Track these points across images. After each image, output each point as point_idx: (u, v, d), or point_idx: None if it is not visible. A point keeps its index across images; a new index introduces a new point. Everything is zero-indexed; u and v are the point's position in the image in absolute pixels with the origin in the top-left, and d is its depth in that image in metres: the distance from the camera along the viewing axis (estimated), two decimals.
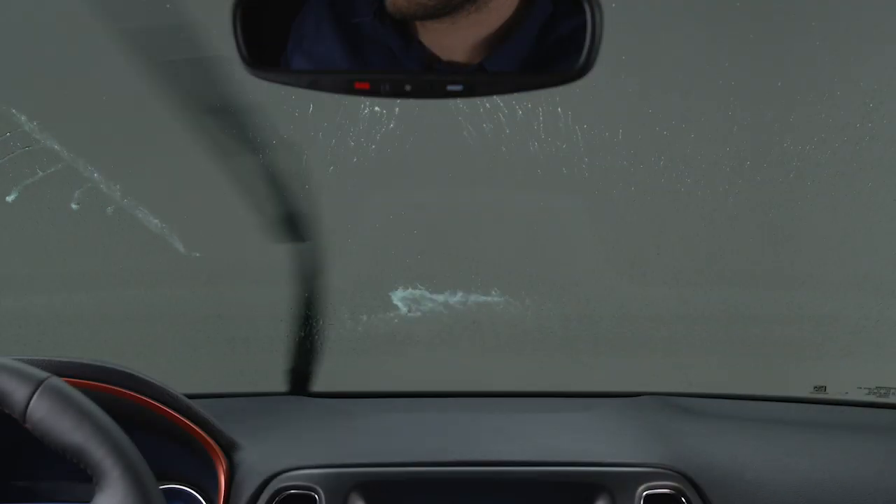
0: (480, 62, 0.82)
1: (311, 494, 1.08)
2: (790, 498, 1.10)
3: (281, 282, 1.59)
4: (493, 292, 1.65)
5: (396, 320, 1.64)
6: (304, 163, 1.63)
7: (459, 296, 1.63)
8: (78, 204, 1.61)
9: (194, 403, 1.09)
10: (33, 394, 0.86)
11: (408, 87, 0.78)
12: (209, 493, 1.12)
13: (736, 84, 1.59)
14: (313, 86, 0.81)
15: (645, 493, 1.08)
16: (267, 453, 1.12)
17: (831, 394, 1.40)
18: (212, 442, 1.09)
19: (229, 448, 1.11)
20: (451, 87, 0.78)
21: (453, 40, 0.81)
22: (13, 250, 1.63)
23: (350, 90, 0.79)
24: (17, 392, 0.87)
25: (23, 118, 1.58)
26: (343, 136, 1.59)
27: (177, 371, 1.33)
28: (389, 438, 1.19)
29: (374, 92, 0.78)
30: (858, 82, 1.55)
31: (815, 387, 1.42)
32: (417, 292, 1.64)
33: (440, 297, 1.63)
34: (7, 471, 1.13)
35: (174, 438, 1.09)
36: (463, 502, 1.11)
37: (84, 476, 0.88)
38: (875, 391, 1.41)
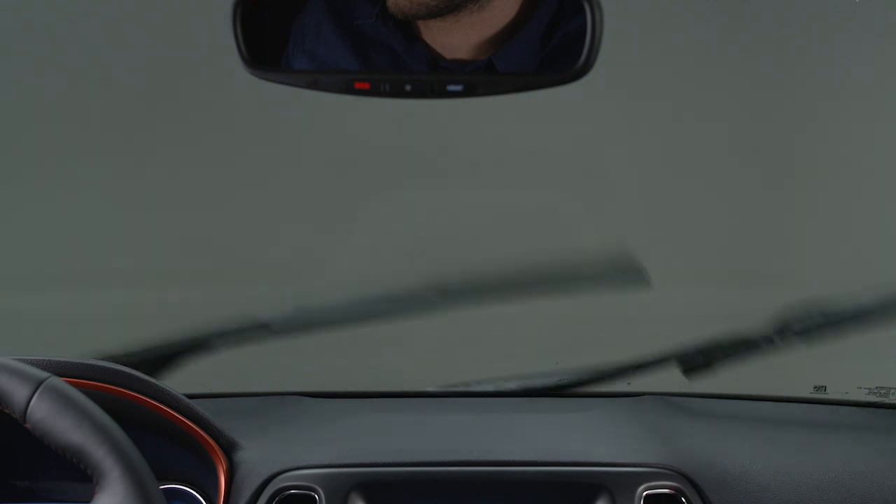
0: (485, 61, 0.83)
1: (311, 494, 1.08)
2: (790, 498, 1.10)
3: (280, 281, 1.59)
4: (493, 292, 1.65)
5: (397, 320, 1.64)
6: (302, 159, 1.63)
7: (459, 296, 1.63)
8: (79, 202, 1.61)
9: (194, 403, 1.09)
10: (33, 394, 0.86)
11: (408, 88, 0.78)
12: (209, 493, 1.12)
13: (736, 84, 1.59)
14: (313, 86, 0.81)
15: (645, 493, 1.08)
16: (267, 453, 1.12)
17: (831, 394, 1.40)
18: (212, 442, 1.09)
19: (229, 448, 1.11)
20: (450, 88, 0.79)
21: (456, 39, 0.82)
22: (13, 250, 1.63)
23: (350, 90, 0.79)
24: (18, 392, 0.87)
25: (23, 116, 1.58)
26: (343, 132, 1.59)
27: (177, 371, 1.33)
28: (389, 438, 1.19)
29: (374, 92, 0.79)
30: (860, 81, 1.55)
31: (815, 387, 1.42)
32: (416, 292, 1.64)
33: (440, 297, 1.63)
34: (7, 471, 1.13)
35: (174, 438, 1.09)
36: (463, 502, 1.11)
37: (84, 476, 0.88)
38: (875, 391, 1.41)
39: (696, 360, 1.39)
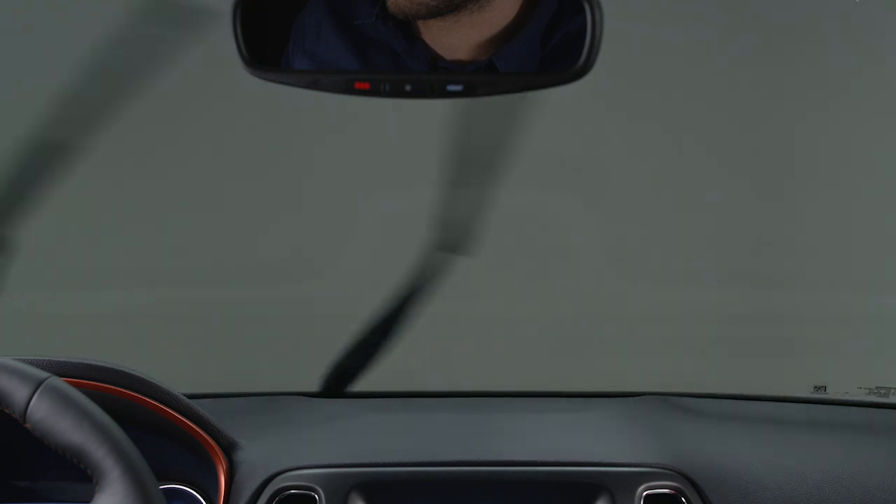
0: (485, 61, 0.82)
1: (311, 494, 1.08)
2: (790, 498, 1.10)
3: (280, 282, 1.59)
4: (493, 292, 1.65)
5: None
6: (306, 160, 1.64)
7: (459, 296, 1.63)
8: (80, 202, 1.61)
9: (194, 403, 1.09)
10: (33, 394, 0.86)
11: (408, 88, 0.78)
12: (209, 493, 1.12)
13: (736, 84, 1.59)
14: (313, 86, 0.81)
15: (645, 493, 1.08)
16: (267, 453, 1.12)
17: (831, 394, 1.40)
18: (212, 442, 1.09)
19: (229, 448, 1.11)
20: (450, 88, 0.78)
21: (456, 39, 0.82)
22: (13, 249, 1.63)
23: (350, 90, 0.79)
24: (18, 392, 0.87)
25: (24, 116, 1.58)
26: (346, 132, 1.59)
27: (177, 371, 1.33)
28: (389, 438, 1.19)
29: (374, 92, 0.79)
30: (860, 82, 1.55)
31: (815, 387, 1.42)
32: (416, 292, 1.64)
33: (440, 297, 1.63)
34: (7, 471, 1.13)
35: (174, 438, 1.09)
36: (463, 502, 1.11)
37: (84, 476, 0.88)
38: (875, 391, 1.42)
39: None
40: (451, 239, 1.50)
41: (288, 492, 1.08)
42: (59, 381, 0.88)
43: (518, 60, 0.82)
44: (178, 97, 1.57)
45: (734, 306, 1.60)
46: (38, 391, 0.87)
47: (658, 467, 1.10)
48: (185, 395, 1.10)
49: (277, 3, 0.84)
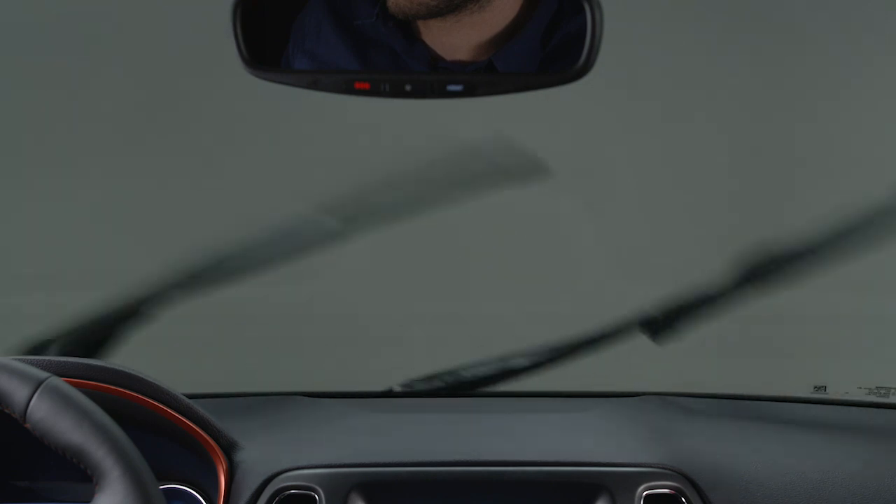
0: (485, 61, 0.83)
1: (311, 494, 1.08)
2: (790, 498, 1.10)
3: (279, 282, 1.59)
4: (493, 292, 1.65)
5: (396, 320, 1.64)
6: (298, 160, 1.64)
7: (459, 296, 1.63)
8: (81, 202, 1.61)
9: (194, 403, 1.09)
10: (33, 394, 0.86)
11: (408, 88, 0.78)
12: (209, 493, 1.12)
13: (736, 83, 1.59)
14: (313, 86, 0.81)
15: (645, 493, 1.08)
16: (267, 453, 1.12)
17: (831, 394, 1.40)
18: (212, 442, 1.09)
19: (229, 448, 1.11)
20: (450, 88, 0.79)
21: (457, 39, 0.82)
22: (13, 249, 1.63)
23: (350, 90, 0.79)
24: (18, 392, 0.87)
25: (25, 115, 1.58)
26: (338, 133, 1.59)
27: (177, 371, 1.33)
28: (389, 438, 1.19)
29: (374, 92, 0.79)
30: (860, 80, 1.55)
31: (815, 387, 1.42)
32: (417, 292, 1.64)
33: (439, 297, 1.63)
34: (7, 471, 1.13)
35: (174, 438, 1.09)
36: (463, 502, 1.11)
37: (84, 476, 0.88)
38: (875, 391, 1.42)
39: (659, 322, 1.40)
40: None
41: (288, 492, 1.08)
42: (59, 381, 0.88)
43: (518, 60, 0.82)
44: (177, 96, 1.57)
45: (734, 306, 1.60)
46: (38, 391, 0.87)
47: (658, 467, 1.10)
48: (185, 395, 1.10)
49: (277, 3, 0.84)
